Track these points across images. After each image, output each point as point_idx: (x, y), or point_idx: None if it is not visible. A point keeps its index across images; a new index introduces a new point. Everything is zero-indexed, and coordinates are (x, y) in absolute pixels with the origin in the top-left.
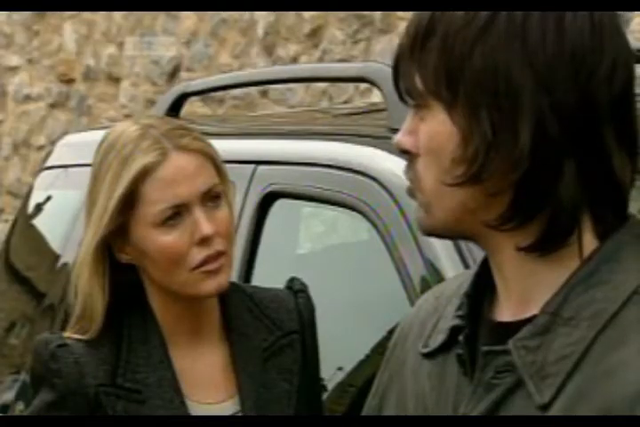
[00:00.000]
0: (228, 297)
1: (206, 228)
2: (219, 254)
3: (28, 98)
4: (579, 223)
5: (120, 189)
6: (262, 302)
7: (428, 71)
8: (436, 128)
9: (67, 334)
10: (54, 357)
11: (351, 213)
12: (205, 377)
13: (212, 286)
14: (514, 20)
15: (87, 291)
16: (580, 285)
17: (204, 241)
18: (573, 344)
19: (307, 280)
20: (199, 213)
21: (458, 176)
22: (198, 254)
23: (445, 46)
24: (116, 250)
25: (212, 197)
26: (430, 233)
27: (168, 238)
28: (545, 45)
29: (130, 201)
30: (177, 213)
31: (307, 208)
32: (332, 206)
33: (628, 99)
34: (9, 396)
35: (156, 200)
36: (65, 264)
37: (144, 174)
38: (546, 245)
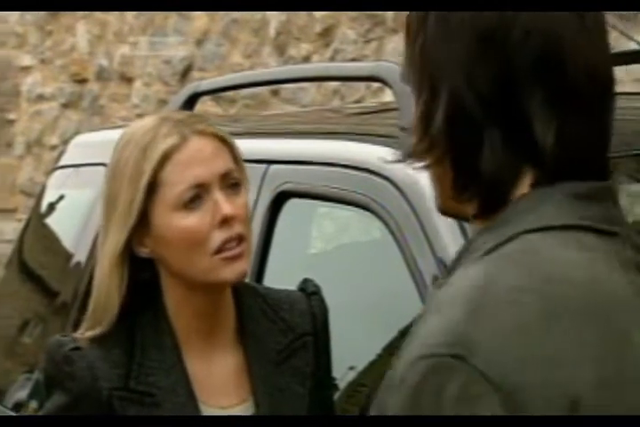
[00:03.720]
0: (241, 299)
1: (226, 208)
2: (239, 238)
3: (40, 98)
4: (515, 187)
5: (145, 178)
6: (276, 304)
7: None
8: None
9: (80, 330)
10: (67, 360)
11: (363, 213)
12: (219, 380)
13: (232, 272)
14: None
15: (106, 283)
16: (487, 230)
17: (225, 223)
18: None
19: (318, 280)
20: (219, 195)
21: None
22: (219, 237)
23: (407, 44)
24: (135, 244)
25: (230, 184)
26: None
27: (189, 221)
28: (463, 24)
29: (151, 188)
30: (197, 196)
31: (319, 208)
32: (345, 206)
33: (557, 59)
34: (22, 394)
35: (175, 182)
36: (77, 263)
37: (165, 159)
38: (485, 212)
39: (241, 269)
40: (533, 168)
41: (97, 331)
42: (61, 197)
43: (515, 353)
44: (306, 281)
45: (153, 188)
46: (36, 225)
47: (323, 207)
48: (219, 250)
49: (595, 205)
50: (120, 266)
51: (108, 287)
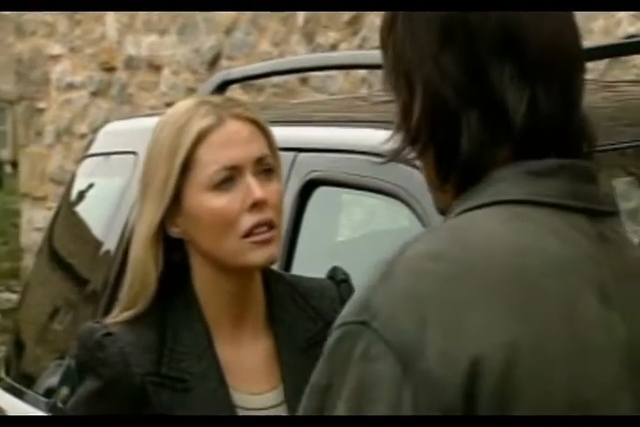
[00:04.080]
0: (271, 286)
1: (258, 192)
2: (270, 224)
3: (70, 86)
4: (490, 168)
5: (179, 157)
6: (306, 292)
7: None
8: None
9: (114, 313)
10: (100, 346)
11: (392, 201)
12: (249, 367)
13: (262, 255)
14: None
15: (142, 262)
16: (458, 203)
17: (256, 207)
18: None
19: (346, 268)
20: (251, 179)
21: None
22: (249, 221)
23: (381, 48)
24: (167, 223)
25: (264, 170)
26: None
27: (220, 201)
28: (425, 19)
29: (185, 168)
30: (230, 178)
31: (347, 195)
32: (373, 194)
33: (518, 35)
34: (53, 381)
35: (210, 162)
36: (107, 251)
37: (201, 138)
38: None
39: (270, 253)
40: (508, 146)
41: (132, 312)
42: (91, 186)
43: (413, 317)
44: (335, 269)
45: (187, 167)
46: (66, 213)
47: (351, 195)
48: (248, 233)
49: (557, 181)
50: (155, 246)
51: (143, 266)
